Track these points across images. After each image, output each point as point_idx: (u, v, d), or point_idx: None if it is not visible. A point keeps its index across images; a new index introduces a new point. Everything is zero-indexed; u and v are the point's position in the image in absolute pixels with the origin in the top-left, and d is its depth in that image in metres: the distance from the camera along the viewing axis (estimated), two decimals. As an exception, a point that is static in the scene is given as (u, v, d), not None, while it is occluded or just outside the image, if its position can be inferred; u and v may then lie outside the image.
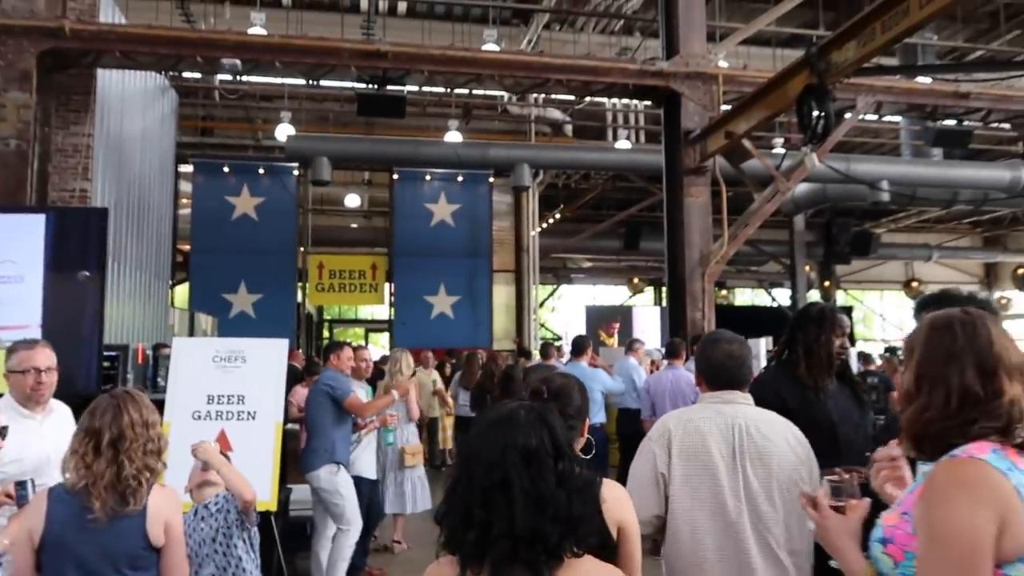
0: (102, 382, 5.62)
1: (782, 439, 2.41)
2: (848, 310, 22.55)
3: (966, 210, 18.41)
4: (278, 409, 4.40)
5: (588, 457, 2.07)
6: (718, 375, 2.49)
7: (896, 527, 1.51)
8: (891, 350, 11.32)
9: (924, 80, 9.66)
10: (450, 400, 10.18)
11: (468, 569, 1.39)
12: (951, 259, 24.08)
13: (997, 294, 25.90)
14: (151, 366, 6.83)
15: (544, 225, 19.06)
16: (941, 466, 1.44)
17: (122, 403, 2.41)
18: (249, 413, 4.32)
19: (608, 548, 1.90)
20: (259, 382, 4.37)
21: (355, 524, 4.95)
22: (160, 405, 4.54)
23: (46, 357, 3.11)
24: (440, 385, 10.44)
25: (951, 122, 10.40)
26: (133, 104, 10.19)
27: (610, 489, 2.00)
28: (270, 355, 4.50)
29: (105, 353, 5.85)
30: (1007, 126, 10.45)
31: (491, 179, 16.36)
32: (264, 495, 4.13)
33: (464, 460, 1.50)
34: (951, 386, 1.48)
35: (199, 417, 4.31)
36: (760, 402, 2.64)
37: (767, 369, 3.54)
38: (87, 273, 5.47)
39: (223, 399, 4.33)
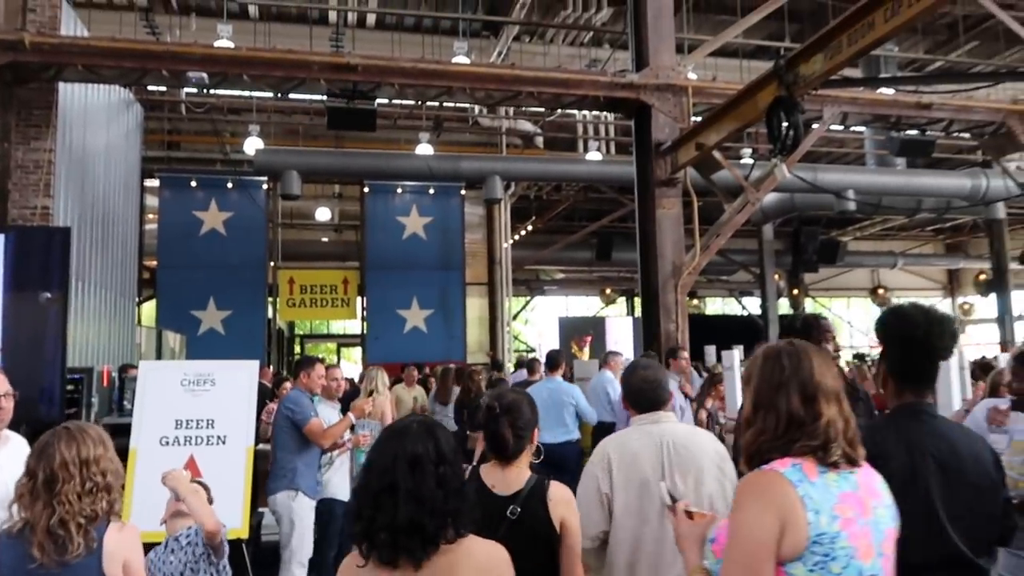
0: (66, 406, 5.47)
1: (705, 454, 2.63)
2: (817, 317, 22.82)
3: (929, 218, 18.76)
4: (249, 433, 4.29)
5: (539, 461, 2.58)
6: (639, 399, 2.76)
7: (721, 528, 1.74)
8: (860, 357, 11.47)
9: (888, 91, 9.82)
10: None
11: (367, 558, 1.70)
12: (915, 266, 24.52)
13: (960, 300, 26.42)
14: (117, 388, 6.66)
15: (516, 237, 19.06)
16: (745, 477, 1.68)
17: (57, 441, 2.27)
18: (219, 438, 4.20)
19: (553, 539, 2.29)
20: (229, 405, 4.25)
21: (300, 554, 4.75)
22: (127, 430, 4.41)
23: (2, 382, 2.98)
24: (422, 402, 10.11)
25: (914, 132, 10.59)
26: (96, 118, 9.99)
27: (556, 491, 2.35)
28: (240, 377, 4.38)
29: (69, 376, 5.69)
30: (967, 136, 10.66)
31: (463, 191, 16.33)
32: (235, 522, 4.02)
33: (365, 466, 1.82)
34: (780, 411, 1.68)
35: (167, 443, 4.19)
36: None
37: None
38: (48, 294, 5.32)
39: (192, 424, 4.21)
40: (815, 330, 3.09)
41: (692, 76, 9.51)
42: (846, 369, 10.46)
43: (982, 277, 22.74)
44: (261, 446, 5.80)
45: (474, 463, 2.76)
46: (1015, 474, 2.75)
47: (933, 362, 2.19)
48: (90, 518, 2.23)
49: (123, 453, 3.94)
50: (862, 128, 13.46)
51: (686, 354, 7.32)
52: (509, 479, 2.36)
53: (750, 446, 1.72)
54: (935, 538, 2.02)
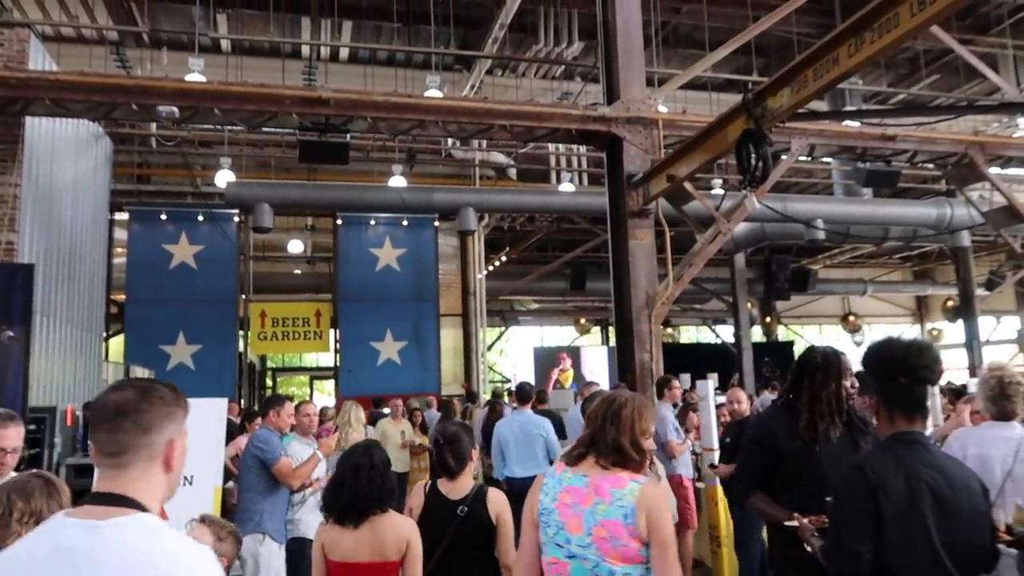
0: (28, 447, 5.29)
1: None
2: (790, 345, 23.05)
3: (897, 246, 19.10)
4: (217, 472, 4.17)
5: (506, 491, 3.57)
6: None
7: None
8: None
9: (854, 124, 10.02)
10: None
11: (328, 520, 3.02)
12: (884, 293, 24.90)
13: (929, 325, 26.82)
14: (81, 428, 6.48)
15: (490, 268, 19.07)
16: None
17: (53, 487, 2.23)
18: (185, 478, 4.09)
19: (491, 529, 3.14)
20: (196, 444, 4.11)
21: None
22: (91, 470, 4.28)
23: (15, 436, 2.83)
24: (410, 436, 9.57)
25: (880, 163, 10.79)
26: (64, 152, 9.87)
27: (493, 495, 3.22)
28: (207, 415, 4.27)
29: (31, 416, 5.53)
30: (931, 166, 10.88)
31: (436, 223, 16.33)
32: (202, 565, 3.90)
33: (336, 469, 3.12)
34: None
35: (132, 484, 4.07)
36: (753, 441, 3.12)
37: (768, 410, 3.47)
38: (10, 333, 5.18)
39: (157, 464, 4.09)
40: (834, 367, 3.04)
41: (663, 109, 9.63)
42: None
43: (949, 303, 23.13)
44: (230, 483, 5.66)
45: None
46: None
47: (918, 386, 2.30)
48: None
49: (86, 494, 3.83)
50: (829, 159, 13.71)
51: (677, 383, 7.29)
52: (457, 488, 3.23)
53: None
54: (932, 565, 2.12)
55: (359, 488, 2.94)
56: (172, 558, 1.41)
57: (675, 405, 7.33)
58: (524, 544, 2.45)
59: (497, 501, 3.19)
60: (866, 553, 2.17)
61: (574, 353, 21.30)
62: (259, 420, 6.54)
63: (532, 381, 10.84)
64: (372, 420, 9.70)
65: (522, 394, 7.24)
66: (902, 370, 2.29)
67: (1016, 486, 3.04)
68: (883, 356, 2.37)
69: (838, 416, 2.96)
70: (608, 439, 2.33)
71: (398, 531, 2.94)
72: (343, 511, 2.95)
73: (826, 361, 3.03)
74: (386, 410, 10.72)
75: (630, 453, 2.32)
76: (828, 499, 2.39)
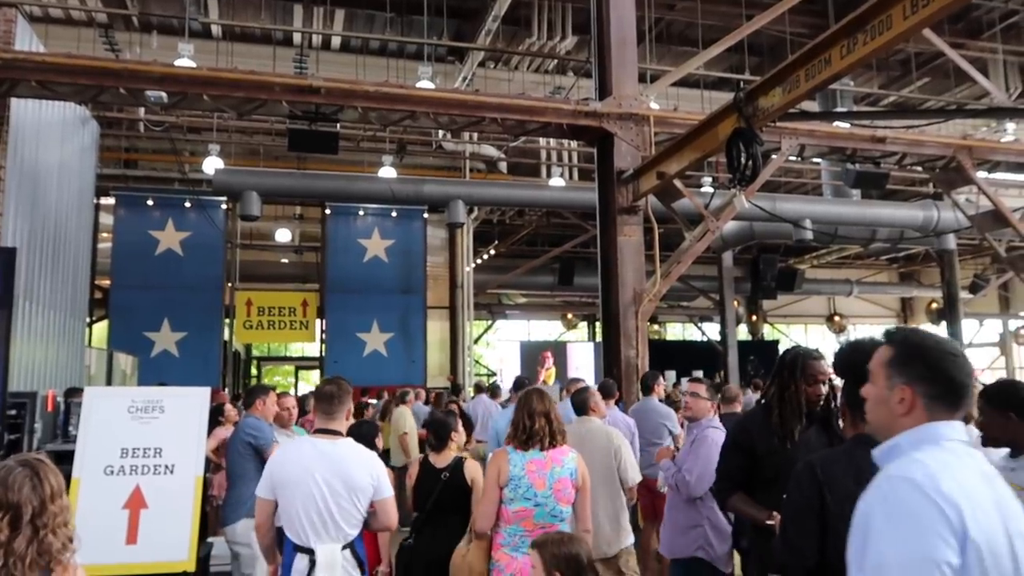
0: (8, 432, 5.24)
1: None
2: (775, 344, 23.17)
3: (883, 247, 19.20)
4: (198, 462, 4.14)
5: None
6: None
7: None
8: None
9: (844, 125, 10.06)
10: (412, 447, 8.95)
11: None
12: (870, 294, 25.05)
13: (913, 327, 27.02)
14: (62, 414, 6.41)
15: (478, 261, 19.04)
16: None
17: (40, 472, 2.14)
18: (167, 467, 4.05)
19: (467, 491, 3.93)
20: (178, 433, 4.10)
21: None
22: (71, 457, 4.24)
23: None
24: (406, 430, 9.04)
25: (869, 165, 10.85)
26: (50, 135, 9.76)
27: (469, 464, 4.07)
28: (190, 404, 4.23)
29: (11, 400, 5.47)
30: (920, 169, 10.94)
31: (425, 215, 16.28)
32: (182, 555, 3.88)
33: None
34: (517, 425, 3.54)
35: (112, 472, 4.02)
36: (731, 442, 3.24)
37: (751, 410, 3.52)
38: (-9, 317, 5.12)
39: (139, 452, 4.04)
40: (798, 369, 3.05)
41: (654, 106, 9.62)
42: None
43: (934, 306, 23.30)
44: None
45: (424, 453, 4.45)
46: None
47: None
48: (70, 539, 2.14)
49: (65, 481, 3.79)
50: (819, 160, 13.77)
51: (662, 379, 7.26)
52: (441, 459, 4.12)
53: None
54: None
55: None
56: (370, 456, 3.36)
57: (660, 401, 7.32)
58: (489, 497, 3.40)
59: (472, 468, 4.06)
60: (809, 548, 2.21)
61: (560, 348, 21.32)
62: (225, 415, 6.50)
63: (518, 374, 10.88)
64: (358, 410, 9.65)
65: (519, 388, 7.28)
66: (865, 375, 2.22)
67: None
68: (849, 360, 2.36)
69: (804, 416, 3.00)
70: (545, 433, 3.45)
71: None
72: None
73: (792, 361, 3.07)
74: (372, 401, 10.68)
75: (558, 436, 3.49)
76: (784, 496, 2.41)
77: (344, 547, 3.18)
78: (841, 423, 2.45)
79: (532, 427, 3.44)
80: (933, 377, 1.65)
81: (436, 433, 4.25)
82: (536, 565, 2.61)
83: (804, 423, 3.01)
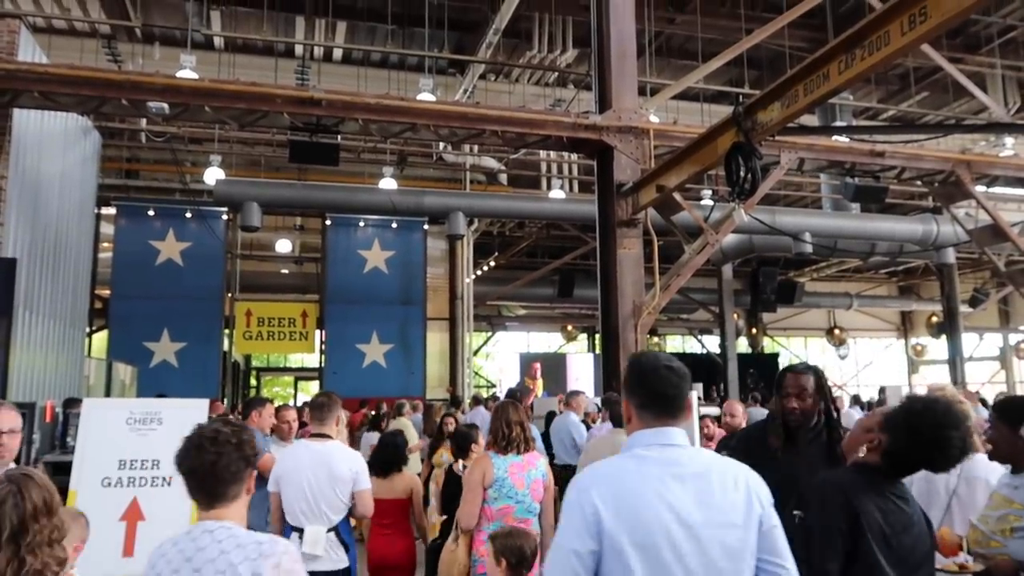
0: None
1: None
2: (775, 356, 23.15)
3: (883, 261, 19.22)
4: (196, 473, 4.14)
5: None
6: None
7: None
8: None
9: (843, 139, 10.08)
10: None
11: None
12: (870, 307, 25.05)
13: (913, 341, 27.00)
14: (60, 424, 6.39)
15: (478, 272, 19.04)
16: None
17: (23, 487, 2.03)
18: (164, 479, 4.04)
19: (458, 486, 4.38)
20: (176, 445, 4.09)
21: None
22: (69, 468, 4.23)
23: (12, 418, 2.98)
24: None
25: (868, 179, 10.86)
26: (52, 145, 9.79)
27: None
28: (188, 416, 4.19)
29: (9, 411, 5.44)
30: (919, 183, 10.97)
31: (426, 226, 16.30)
32: (178, 567, 3.86)
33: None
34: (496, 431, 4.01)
35: (109, 484, 4.01)
36: (746, 452, 3.11)
37: (756, 422, 3.66)
38: (-10, 327, 5.12)
39: (136, 464, 4.04)
40: (776, 384, 3.13)
41: (654, 119, 9.65)
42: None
43: (934, 319, 23.29)
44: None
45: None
46: (987, 529, 2.67)
47: (926, 460, 2.34)
48: (59, 566, 2.08)
49: (63, 493, 3.78)
50: (818, 173, 13.80)
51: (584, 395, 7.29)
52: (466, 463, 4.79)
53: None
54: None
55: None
56: (353, 455, 4.09)
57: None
58: (473, 498, 3.79)
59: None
60: (834, 572, 2.20)
61: (560, 360, 21.30)
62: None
63: (510, 387, 10.92)
64: (375, 420, 9.78)
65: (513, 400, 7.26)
66: (928, 443, 2.28)
67: (961, 505, 3.07)
68: (922, 418, 2.32)
69: (781, 429, 3.11)
70: (520, 439, 3.93)
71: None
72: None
73: (779, 375, 3.15)
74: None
75: (531, 442, 4.01)
76: (796, 512, 2.40)
77: (329, 530, 3.87)
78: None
79: (510, 435, 3.90)
80: (639, 391, 1.96)
81: (459, 444, 4.88)
82: (490, 554, 3.12)
83: (784, 435, 3.11)
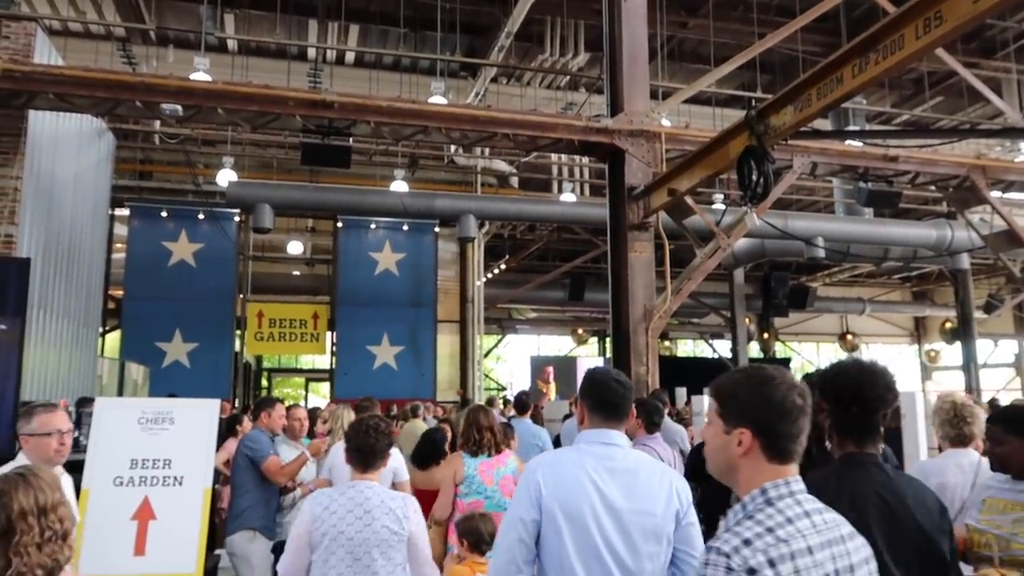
0: (18, 441, 5.26)
1: None
2: (787, 361, 23.04)
3: (896, 266, 19.09)
4: (207, 474, 4.15)
5: None
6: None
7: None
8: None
9: (856, 143, 10.03)
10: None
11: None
12: (883, 313, 24.89)
13: (926, 347, 26.81)
14: (73, 423, 6.42)
15: (489, 275, 19.05)
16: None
17: (12, 489, 2.03)
18: (176, 478, 4.06)
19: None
20: (187, 445, 4.12)
21: None
22: (81, 467, 4.26)
23: (66, 419, 3.26)
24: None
25: (882, 184, 10.80)
26: (67, 146, 9.87)
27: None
28: (200, 416, 4.25)
29: (23, 410, 5.49)
30: (933, 188, 10.89)
31: (437, 229, 16.33)
32: (189, 566, 3.88)
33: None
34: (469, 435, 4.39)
35: (121, 483, 4.03)
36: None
37: None
38: (3, 326, 5.16)
39: (148, 463, 4.05)
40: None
41: (666, 122, 9.63)
42: None
43: (948, 325, 23.11)
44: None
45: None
46: (1003, 533, 2.61)
47: (868, 414, 2.22)
48: (50, 570, 2.07)
49: (76, 490, 3.81)
50: (831, 178, 13.73)
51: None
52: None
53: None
54: None
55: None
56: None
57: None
58: (446, 492, 4.12)
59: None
60: None
61: (570, 364, 21.27)
62: (242, 425, 6.60)
63: (520, 391, 10.93)
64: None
65: (520, 405, 7.27)
66: (851, 395, 2.21)
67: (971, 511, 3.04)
68: (834, 379, 2.30)
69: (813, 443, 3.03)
70: (491, 443, 4.24)
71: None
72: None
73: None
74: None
75: (501, 442, 4.30)
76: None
77: None
78: (828, 444, 2.41)
79: (481, 440, 4.24)
80: (592, 397, 2.41)
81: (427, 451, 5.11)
82: (452, 534, 3.49)
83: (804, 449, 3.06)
